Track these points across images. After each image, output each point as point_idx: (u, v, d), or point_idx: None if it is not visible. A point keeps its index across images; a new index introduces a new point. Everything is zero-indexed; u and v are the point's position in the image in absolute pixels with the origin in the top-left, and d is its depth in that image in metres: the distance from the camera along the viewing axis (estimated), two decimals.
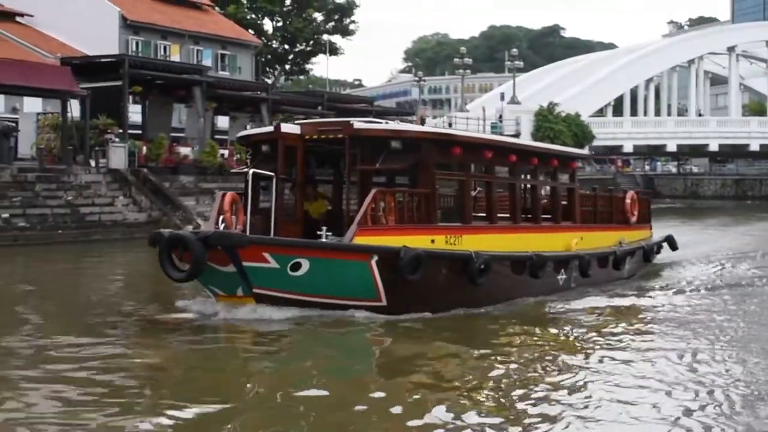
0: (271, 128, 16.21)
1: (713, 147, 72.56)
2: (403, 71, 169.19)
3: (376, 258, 13.77)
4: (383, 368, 12.01)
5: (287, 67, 74.00)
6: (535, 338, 13.50)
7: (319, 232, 14.13)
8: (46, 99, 41.05)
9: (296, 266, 13.51)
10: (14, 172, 30.31)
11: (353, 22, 73.38)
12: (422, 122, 17.44)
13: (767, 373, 10.99)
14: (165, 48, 51.56)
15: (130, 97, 37.51)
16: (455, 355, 12.11)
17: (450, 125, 61.07)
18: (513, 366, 11.37)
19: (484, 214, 17.34)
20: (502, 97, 65.85)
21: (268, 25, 71.10)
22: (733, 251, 27.53)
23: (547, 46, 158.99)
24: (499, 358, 11.94)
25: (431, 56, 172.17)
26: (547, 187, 19.89)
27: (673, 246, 24.50)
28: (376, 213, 14.28)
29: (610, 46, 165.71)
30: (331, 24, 72.80)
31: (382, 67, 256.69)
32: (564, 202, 19.81)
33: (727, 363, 11.57)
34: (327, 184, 17.34)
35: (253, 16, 69.29)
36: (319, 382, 10.55)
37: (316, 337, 13.10)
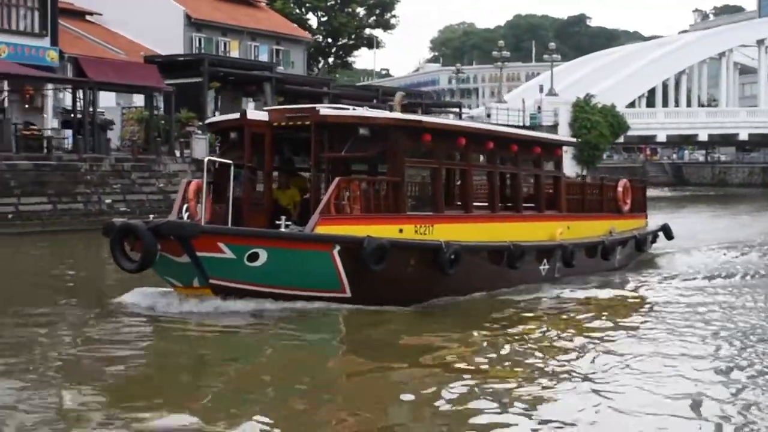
0: (237, 115, 15.76)
1: (743, 136, 74.80)
2: (430, 61, 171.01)
3: (338, 248, 13.42)
4: (340, 364, 11.67)
5: (330, 60, 76.72)
6: (498, 331, 13.04)
7: (278, 222, 13.81)
8: (122, 94, 43.99)
9: (253, 257, 13.14)
10: (112, 161, 33.26)
11: (394, 16, 76.32)
12: (404, 109, 16.65)
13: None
14: (225, 44, 54.25)
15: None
16: (406, 347, 11.95)
17: (488, 116, 63.83)
18: (470, 363, 11.00)
19: (459, 203, 17.10)
20: (541, 89, 68.31)
21: (312, 20, 74.01)
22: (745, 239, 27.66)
23: (573, 36, 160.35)
24: (454, 352, 11.68)
25: (458, 45, 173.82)
26: (531, 176, 19.36)
27: (669, 235, 24.15)
28: (340, 202, 13.90)
29: (635, 35, 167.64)
30: (373, 18, 75.67)
31: (407, 56, 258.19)
32: (549, 191, 19.33)
33: (698, 358, 11.36)
34: (306, 172, 16.54)
35: (298, 11, 71.94)
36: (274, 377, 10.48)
37: (271, 331, 12.78)
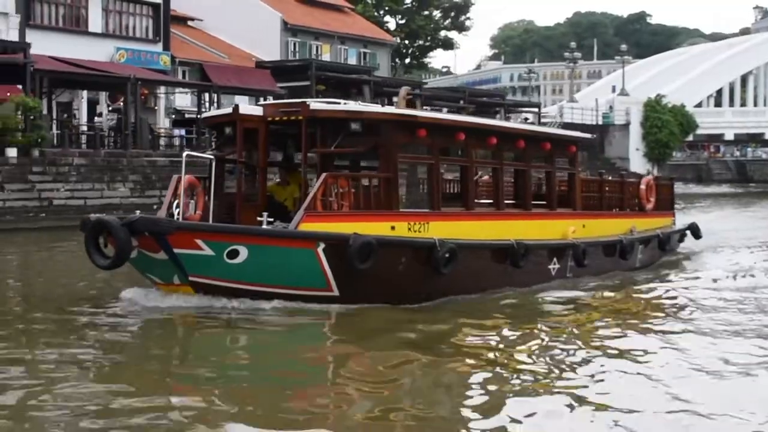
0: (230, 110, 15.33)
1: None
2: (491, 59, 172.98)
3: (322, 245, 13.02)
4: (321, 365, 11.33)
5: (407, 61, 79.84)
6: (488, 332, 12.62)
7: (259, 218, 13.29)
8: (226, 96, 47.35)
9: (233, 253, 12.84)
10: None
11: (468, 18, 79.34)
12: (408, 104, 16.06)
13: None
14: (317, 48, 57.58)
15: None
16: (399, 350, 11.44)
17: (561, 115, 66.35)
18: (460, 366, 10.69)
19: (459, 200, 16.50)
20: (614, 89, 70.73)
21: (391, 22, 77.19)
22: None
23: (633, 33, 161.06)
24: (442, 353, 11.35)
25: (518, 43, 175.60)
26: (541, 172, 18.94)
27: (697, 234, 23.30)
28: (327, 198, 13.52)
29: (695, 33, 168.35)
30: (448, 20, 78.71)
31: (466, 54, 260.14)
32: (563, 188, 18.83)
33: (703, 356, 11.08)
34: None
35: (377, 14, 75.10)
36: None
37: (255, 329, 12.61)
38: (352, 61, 58.27)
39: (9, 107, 30.79)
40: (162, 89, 45.63)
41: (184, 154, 14.04)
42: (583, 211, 18.78)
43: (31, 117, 31.12)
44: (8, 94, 34.37)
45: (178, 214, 13.36)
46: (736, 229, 29.63)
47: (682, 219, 25.45)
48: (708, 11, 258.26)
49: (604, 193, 20.20)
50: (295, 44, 56.40)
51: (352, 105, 15.00)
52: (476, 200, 16.85)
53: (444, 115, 16.13)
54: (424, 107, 48.65)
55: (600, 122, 65.54)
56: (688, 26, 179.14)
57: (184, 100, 49.58)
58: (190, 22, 55.73)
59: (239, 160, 14.67)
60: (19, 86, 35.30)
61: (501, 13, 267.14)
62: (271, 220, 13.34)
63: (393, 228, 13.98)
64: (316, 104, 14.65)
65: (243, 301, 13.20)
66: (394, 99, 47.97)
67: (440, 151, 15.40)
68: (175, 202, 13.47)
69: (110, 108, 43.56)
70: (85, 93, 44.52)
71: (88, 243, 12.94)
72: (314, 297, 13.35)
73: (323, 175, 13.59)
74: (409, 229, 14.20)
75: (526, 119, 57.74)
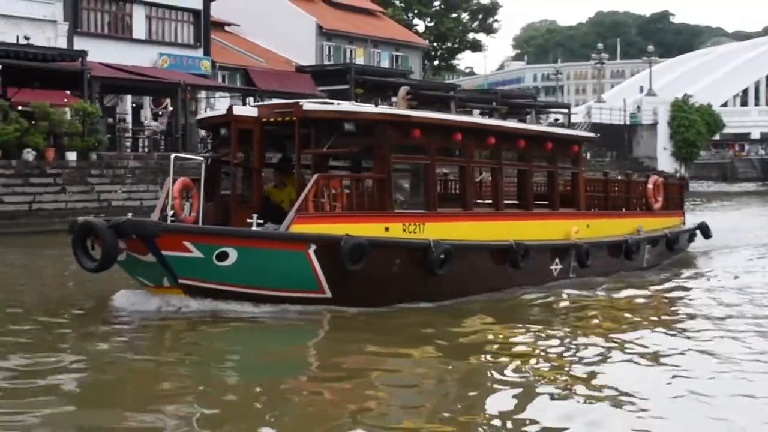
0: (224, 111, 15.19)
1: None
2: (514, 59, 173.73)
3: (314, 247, 12.92)
4: (313, 367, 11.33)
5: (435, 63, 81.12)
6: (488, 333, 12.65)
7: (249, 220, 13.14)
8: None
9: (222, 256, 12.74)
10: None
11: (496, 20, 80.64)
12: (408, 104, 15.80)
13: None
14: (351, 51, 58.96)
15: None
16: (396, 352, 11.44)
17: (589, 115, 67.42)
18: (454, 364, 10.74)
19: (457, 201, 16.37)
20: (641, 90, 71.83)
21: (420, 25, 78.47)
22: None
23: (656, 33, 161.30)
24: (440, 352, 11.40)
25: (541, 43, 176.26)
26: (542, 172, 18.66)
27: (707, 234, 23.01)
28: (319, 199, 13.36)
29: (719, 31, 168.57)
30: (476, 23, 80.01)
31: (489, 54, 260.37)
32: (566, 188, 18.72)
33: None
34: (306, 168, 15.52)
35: (406, 17, 76.38)
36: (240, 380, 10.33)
37: (245, 331, 12.56)
38: (385, 63, 59.63)
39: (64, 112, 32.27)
40: (203, 93, 47.05)
41: (172, 156, 13.87)
42: (587, 211, 18.78)
43: (89, 122, 32.45)
44: (65, 99, 35.99)
45: (173, 216, 13.24)
46: (762, 227, 29.79)
47: (705, 217, 25.61)
48: (731, 10, 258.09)
49: (610, 192, 20.10)
50: (329, 48, 57.79)
51: (346, 105, 14.78)
52: (478, 201, 16.98)
53: (440, 115, 16.05)
54: (458, 109, 50.07)
55: (628, 122, 66.77)
56: (711, 25, 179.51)
57: (224, 104, 50.93)
58: (227, 28, 57.06)
59: (233, 161, 14.64)
60: (66, 91, 36.93)
61: (524, 14, 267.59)
62: (261, 221, 13.21)
63: (387, 229, 13.88)
64: (309, 105, 14.44)
65: (234, 303, 13.11)
66: (393, 99, 49.70)
67: (437, 152, 15.18)
68: (169, 204, 13.39)
69: (157, 112, 45.07)
70: (129, 97, 46.03)
71: (76, 246, 12.86)
72: (307, 299, 13.29)
73: (315, 176, 13.52)
74: (404, 230, 14.09)
75: (557, 120, 58.76)
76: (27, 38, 35.80)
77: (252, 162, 14.94)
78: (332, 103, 14.83)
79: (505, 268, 15.44)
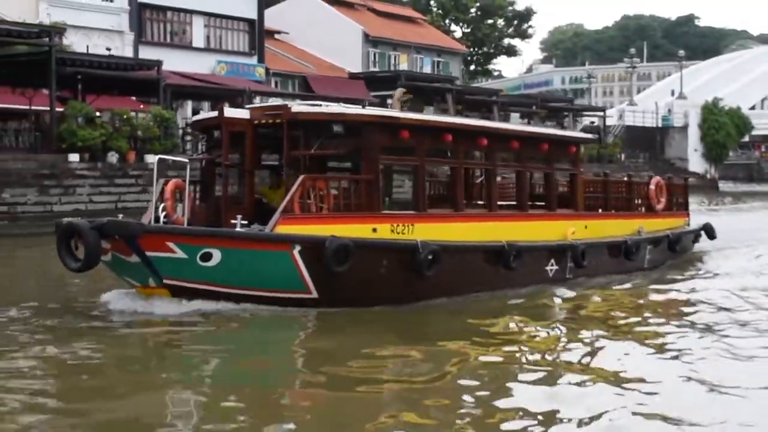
0: (216, 113, 15.19)
1: None
2: (542, 62, 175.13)
3: (298, 248, 12.96)
4: (303, 366, 11.32)
5: (471, 68, 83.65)
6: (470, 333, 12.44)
7: (233, 221, 13.19)
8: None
9: (206, 256, 12.80)
10: None
11: (531, 26, 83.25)
12: (404, 105, 16.54)
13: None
14: (395, 58, 61.58)
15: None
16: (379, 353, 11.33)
17: (621, 117, 69.65)
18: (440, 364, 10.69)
19: (448, 202, 16.35)
20: (672, 93, 74.04)
21: (457, 31, 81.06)
22: None
23: (682, 36, 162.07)
24: (427, 353, 11.30)
25: (569, 46, 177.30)
26: (539, 174, 18.64)
27: (711, 235, 22.80)
28: (305, 200, 13.39)
29: (744, 34, 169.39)
30: (512, 29, 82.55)
31: (517, 58, 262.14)
32: (563, 189, 18.78)
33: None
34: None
35: (443, 23, 78.91)
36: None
37: (229, 331, 12.56)
38: (427, 69, 62.17)
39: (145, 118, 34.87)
40: (257, 99, 49.61)
41: (156, 158, 14.12)
42: (586, 212, 18.63)
43: (165, 127, 34.99)
44: (141, 106, 38.65)
45: (165, 217, 13.49)
46: None
47: (734, 217, 26.29)
48: (756, 13, 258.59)
49: (610, 193, 19.99)
50: (375, 54, 60.37)
51: (334, 107, 14.63)
52: (474, 202, 17.25)
53: (428, 116, 15.95)
54: (500, 113, 52.48)
55: (660, 125, 68.94)
56: (737, 28, 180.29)
57: None
58: (277, 36, 59.66)
59: (224, 163, 14.68)
60: (132, 97, 39.45)
61: (551, 17, 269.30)
62: (246, 222, 13.33)
63: (375, 230, 13.89)
64: (297, 107, 14.54)
65: (219, 303, 13.16)
66: (443, 105, 52.03)
67: (427, 153, 15.17)
68: (161, 205, 13.60)
69: None
70: (190, 103, 48.62)
71: (60, 246, 12.95)
72: (294, 300, 13.33)
73: (301, 177, 13.50)
74: (392, 231, 14.09)
75: (592, 122, 61.25)
76: (108, 49, 38.49)
77: (245, 163, 15.10)
78: (319, 105, 14.96)
79: (498, 268, 15.45)
